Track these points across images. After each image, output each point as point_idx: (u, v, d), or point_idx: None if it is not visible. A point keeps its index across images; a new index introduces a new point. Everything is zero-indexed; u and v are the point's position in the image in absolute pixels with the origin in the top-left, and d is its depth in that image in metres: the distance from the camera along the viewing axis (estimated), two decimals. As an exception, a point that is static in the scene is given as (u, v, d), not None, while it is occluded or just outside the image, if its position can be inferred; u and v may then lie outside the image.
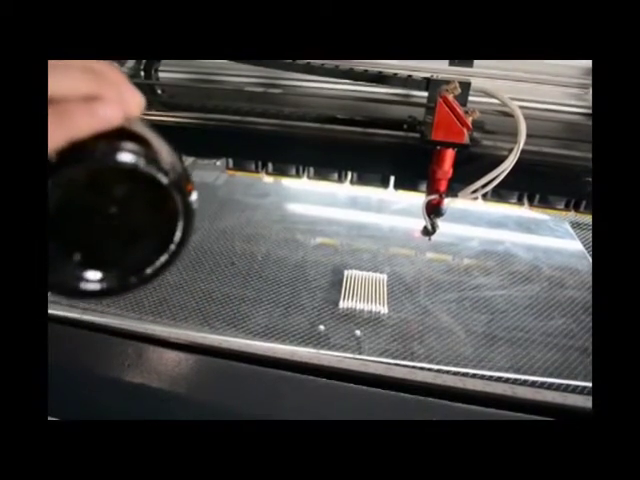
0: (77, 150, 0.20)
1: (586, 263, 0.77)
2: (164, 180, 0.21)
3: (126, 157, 0.21)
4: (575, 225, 0.87)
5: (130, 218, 0.23)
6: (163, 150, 0.23)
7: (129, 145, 0.21)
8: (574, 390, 0.50)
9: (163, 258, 0.23)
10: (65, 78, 0.21)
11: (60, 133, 0.20)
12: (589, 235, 0.84)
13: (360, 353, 0.54)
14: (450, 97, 0.55)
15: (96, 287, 0.23)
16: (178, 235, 0.23)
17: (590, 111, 0.79)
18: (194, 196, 0.22)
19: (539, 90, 0.79)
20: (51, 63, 0.20)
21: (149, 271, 0.24)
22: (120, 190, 0.22)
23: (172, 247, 0.23)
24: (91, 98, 0.21)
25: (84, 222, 0.23)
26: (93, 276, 0.23)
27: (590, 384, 0.51)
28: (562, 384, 0.52)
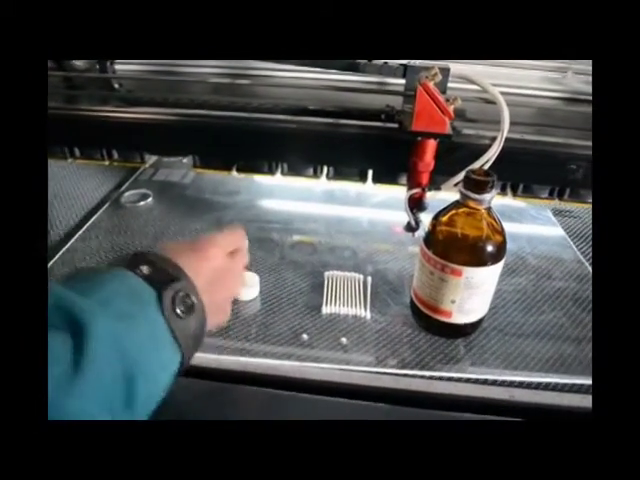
0: None
1: (570, 251, 0.76)
2: None
3: None
4: (557, 212, 0.86)
5: None
6: None
7: None
8: (570, 389, 0.49)
9: None
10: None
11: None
12: (571, 222, 0.84)
13: (347, 363, 0.51)
14: (431, 85, 0.52)
15: None
16: None
17: (568, 95, 0.77)
18: None
19: (516, 74, 0.77)
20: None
21: None
22: None
23: None
24: None
25: None
26: None
27: (582, 381, 0.50)
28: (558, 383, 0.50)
